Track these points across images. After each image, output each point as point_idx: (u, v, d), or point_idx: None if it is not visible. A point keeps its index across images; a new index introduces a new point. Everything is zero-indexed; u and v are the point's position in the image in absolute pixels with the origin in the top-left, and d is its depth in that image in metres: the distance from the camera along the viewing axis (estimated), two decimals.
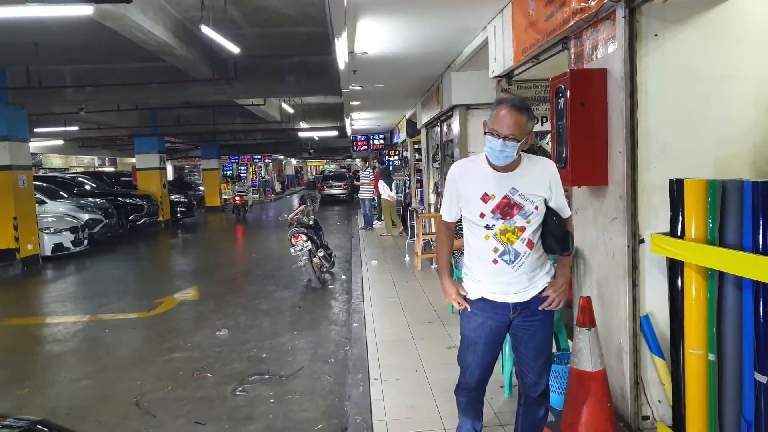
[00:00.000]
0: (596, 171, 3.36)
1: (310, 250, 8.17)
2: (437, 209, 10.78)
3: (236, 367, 5.11)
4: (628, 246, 3.14)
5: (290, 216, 8.95)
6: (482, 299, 2.58)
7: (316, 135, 23.52)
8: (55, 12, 5.74)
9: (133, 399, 4.45)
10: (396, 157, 20.15)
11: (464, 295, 2.63)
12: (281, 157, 45.25)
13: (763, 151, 3.09)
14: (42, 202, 12.63)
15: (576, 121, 3.41)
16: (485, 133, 2.43)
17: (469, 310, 2.62)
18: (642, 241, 3.12)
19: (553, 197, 2.53)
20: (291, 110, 17.66)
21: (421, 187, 13.37)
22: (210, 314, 7.01)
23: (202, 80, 10.34)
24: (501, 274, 2.49)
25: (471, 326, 2.63)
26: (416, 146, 15.33)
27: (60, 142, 21.08)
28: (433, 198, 11.46)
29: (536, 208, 2.47)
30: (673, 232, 2.64)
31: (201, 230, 18.89)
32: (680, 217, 2.58)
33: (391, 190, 12.88)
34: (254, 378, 4.81)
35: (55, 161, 27.30)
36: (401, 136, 17.63)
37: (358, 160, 25.54)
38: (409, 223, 11.65)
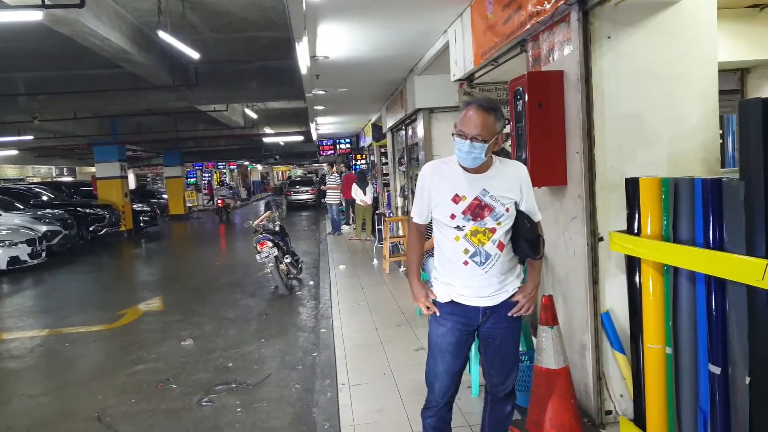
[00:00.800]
0: (555, 171, 3.42)
1: (276, 257, 8.08)
2: (404, 212, 10.82)
3: (202, 377, 5.01)
4: (587, 244, 3.20)
5: (255, 222, 8.84)
6: (452, 302, 2.53)
7: (281, 140, 23.35)
8: (2, 18, 5.56)
9: (95, 414, 4.33)
10: (363, 161, 20.16)
11: (433, 299, 2.58)
12: (246, 163, 44.76)
13: (713, 148, 3.19)
14: None
15: (534, 123, 3.46)
16: (453, 134, 2.43)
17: (437, 314, 2.56)
18: (601, 239, 3.18)
19: (524, 200, 2.54)
20: (255, 116, 17.50)
21: (388, 190, 13.40)
22: (175, 324, 6.87)
23: (162, 87, 10.18)
24: (471, 276, 2.47)
25: (440, 332, 2.58)
26: (383, 150, 15.38)
27: (14, 152, 20.42)
28: (400, 201, 11.50)
29: (507, 210, 2.47)
30: (630, 230, 2.71)
31: (165, 239, 18.52)
32: (636, 215, 2.65)
33: (365, 194, 12.84)
34: (221, 387, 4.73)
35: (10, 172, 26.41)
36: (367, 140, 17.66)
37: (324, 165, 25.45)
38: (376, 227, 11.66)
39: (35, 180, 25.68)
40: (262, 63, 11.27)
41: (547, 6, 3.32)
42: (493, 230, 2.45)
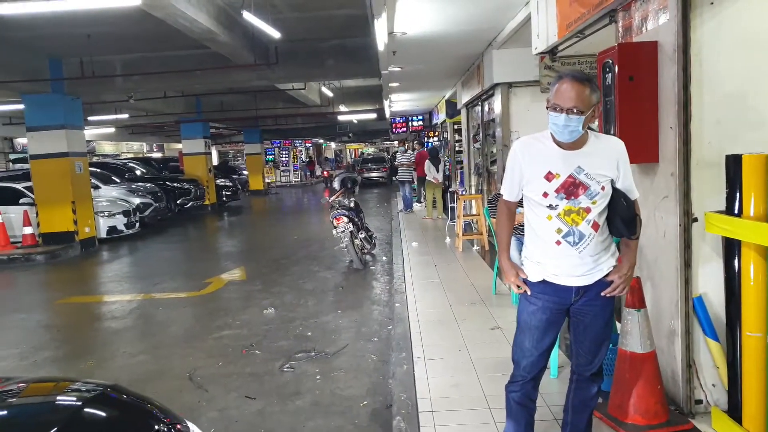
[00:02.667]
0: (646, 148, 3.27)
1: (351, 232, 8.25)
2: (478, 190, 10.70)
3: (283, 344, 5.24)
4: (680, 225, 3.06)
5: (331, 198, 9.04)
6: (543, 282, 2.48)
7: (355, 118, 23.57)
8: (105, 3, 5.93)
9: (187, 374, 4.63)
10: (435, 139, 20.02)
11: (524, 278, 2.52)
12: (321, 140, 45.55)
13: None
14: (96, 187, 13.15)
15: (624, 97, 3.32)
16: (547, 108, 2.35)
17: (528, 293, 2.52)
18: (695, 219, 3.03)
19: (621, 178, 2.42)
20: (330, 94, 17.73)
21: (461, 168, 13.27)
22: (257, 293, 7.19)
23: (244, 66, 10.49)
24: (564, 257, 2.40)
25: (530, 310, 2.53)
26: (456, 127, 15.20)
27: (111, 129, 21.80)
28: (474, 179, 11.37)
29: (602, 188, 2.36)
30: (729, 210, 2.57)
31: (246, 213, 19.29)
32: (737, 195, 2.51)
33: (438, 171, 12.79)
34: (301, 355, 4.93)
35: (107, 148, 28.26)
36: (440, 116, 17.50)
37: (396, 142, 25.47)
38: (449, 205, 11.61)
39: (129, 156, 27.34)
40: (339, 41, 11.36)
41: None
42: (587, 210, 2.36)
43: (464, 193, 11.61)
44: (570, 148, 2.38)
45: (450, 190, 12.25)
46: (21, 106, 11.66)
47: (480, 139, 10.63)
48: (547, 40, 5.47)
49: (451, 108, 14.56)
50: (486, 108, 9.86)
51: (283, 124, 25.72)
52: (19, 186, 12.07)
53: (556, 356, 3.82)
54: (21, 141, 19.84)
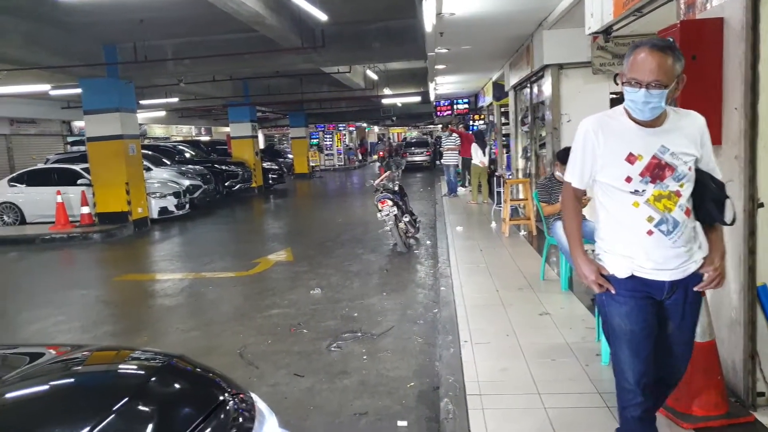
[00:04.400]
0: (710, 130, 3.13)
1: (395, 216, 8.27)
2: (525, 174, 10.52)
3: (330, 324, 5.33)
4: (744, 210, 2.93)
5: (376, 182, 9.08)
6: (632, 277, 2.19)
7: (399, 101, 23.47)
8: None
9: (237, 351, 4.77)
10: (481, 122, 19.75)
11: (606, 274, 2.24)
12: (364, 124, 45.59)
13: None
14: (148, 169, 13.56)
15: (687, 77, 3.18)
16: (622, 83, 2.12)
17: (613, 292, 2.22)
18: (761, 205, 2.90)
19: (704, 156, 2.19)
20: (375, 77, 17.70)
21: (508, 152, 13.07)
22: (303, 274, 7.31)
23: (291, 49, 10.57)
24: (657, 247, 2.15)
25: (621, 312, 2.22)
26: (503, 110, 14.95)
27: (162, 113, 22.38)
28: (521, 163, 11.19)
29: (689, 169, 2.14)
30: None
31: (291, 196, 19.58)
32: None
33: (485, 155, 12.64)
34: (347, 335, 5.00)
35: (158, 131, 29.06)
36: (487, 99, 17.22)
37: (440, 126, 25.25)
38: (495, 190, 11.47)
39: (178, 138, 28.07)
40: (385, 23, 11.30)
41: None
42: (677, 194, 2.13)
43: (511, 177, 11.45)
44: (649, 126, 2.14)
45: (496, 174, 12.09)
46: (78, 90, 12.10)
47: (528, 122, 10.43)
48: (601, 19, 5.29)
49: (498, 90, 14.31)
50: (535, 90, 9.66)
51: (328, 108, 25.86)
52: (77, 167, 12.59)
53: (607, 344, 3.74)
54: (78, 124, 20.62)
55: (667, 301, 2.24)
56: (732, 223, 2.22)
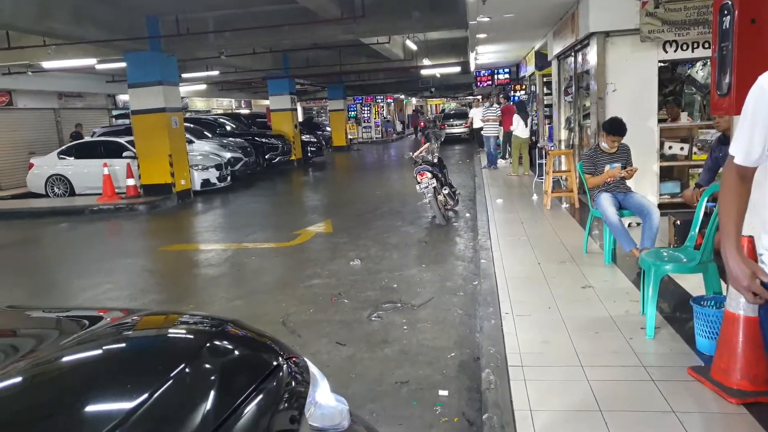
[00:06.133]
0: None
1: (434, 188, 8.23)
2: (568, 145, 10.28)
3: (370, 294, 5.39)
4: None
5: (415, 154, 9.03)
6: None
7: (438, 72, 23.13)
8: None
9: (280, 319, 4.88)
10: (522, 92, 19.31)
11: (765, 281, 1.73)
12: (402, 96, 45.18)
13: None
14: (190, 142, 13.83)
15: (744, 42, 3.05)
16: None
17: None
18: None
19: None
20: (414, 47, 17.45)
21: (550, 123, 12.78)
22: (343, 246, 7.39)
23: (331, 20, 10.51)
24: None
25: None
26: (545, 80, 14.56)
27: (203, 86, 22.68)
28: (564, 134, 10.93)
29: None
30: None
31: (330, 168, 19.68)
32: None
33: (527, 126, 12.40)
34: (387, 306, 5.05)
35: (199, 104, 29.47)
36: (528, 69, 16.79)
37: (479, 96, 24.80)
38: (537, 161, 11.27)
39: (219, 111, 28.44)
40: None
41: None
42: None
43: (553, 148, 11.21)
44: None
45: (538, 145, 11.86)
46: (122, 64, 12.35)
47: (572, 92, 10.14)
48: None
49: (541, 60, 13.92)
50: (579, 59, 9.35)
51: (366, 80, 25.72)
52: (122, 140, 12.94)
53: (653, 317, 3.68)
54: (122, 98, 21.09)
55: None
56: None
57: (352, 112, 33.94)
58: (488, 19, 9.79)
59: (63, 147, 13.78)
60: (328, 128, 28.42)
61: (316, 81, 25.20)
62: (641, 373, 3.22)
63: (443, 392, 3.45)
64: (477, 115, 19.11)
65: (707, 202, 3.75)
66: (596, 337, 3.79)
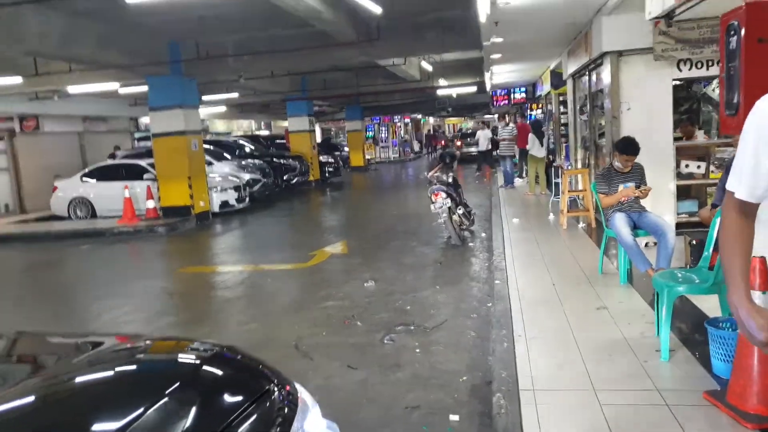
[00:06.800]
0: None
1: (449, 208, 8.24)
2: (585, 164, 10.23)
3: (383, 317, 5.39)
4: None
5: (430, 174, 9.06)
6: None
7: (454, 92, 23.26)
8: None
9: (293, 342, 4.89)
10: (539, 111, 19.31)
11: None
12: (419, 116, 45.45)
13: None
14: (210, 164, 14.05)
15: (752, 61, 3.04)
16: None
17: None
18: None
19: None
20: (430, 68, 17.61)
21: (566, 141, 12.74)
22: (358, 267, 7.41)
23: (347, 43, 10.68)
24: None
25: None
26: (561, 98, 14.57)
27: (223, 108, 23.08)
28: (580, 153, 10.89)
29: None
30: None
31: (347, 189, 19.81)
32: None
33: (542, 145, 12.39)
34: (400, 328, 5.04)
35: (219, 126, 29.99)
36: (545, 88, 16.82)
37: (496, 116, 24.84)
38: (553, 181, 11.23)
39: (239, 133, 28.87)
40: (439, 14, 11.23)
41: None
42: None
43: (570, 167, 11.16)
44: None
45: (554, 164, 11.82)
46: (144, 88, 12.66)
47: (587, 110, 10.13)
48: (663, 3, 5.10)
49: (556, 79, 13.94)
50: (594, 78, 9.36)
51: (383, 101, 25.97)
52: (142, 162, 13.20)
53: (667, 339, 3.63)
54: (144, 120, 21.55)
55: None
56: None
57: (370, 132, 34.21)
58: (501, 39, 9.86)
59: (86, 170, 14.07)
60: (346, 148, 28.66)
61: (334, 102, 25.51)
62: (655, 397, 3.17)
63: (454, 417, 3.43)
64: (483, 137, 19.24)
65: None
66: (610, 359, 3.74)
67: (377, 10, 8.31)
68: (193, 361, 1.66)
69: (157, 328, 5.59)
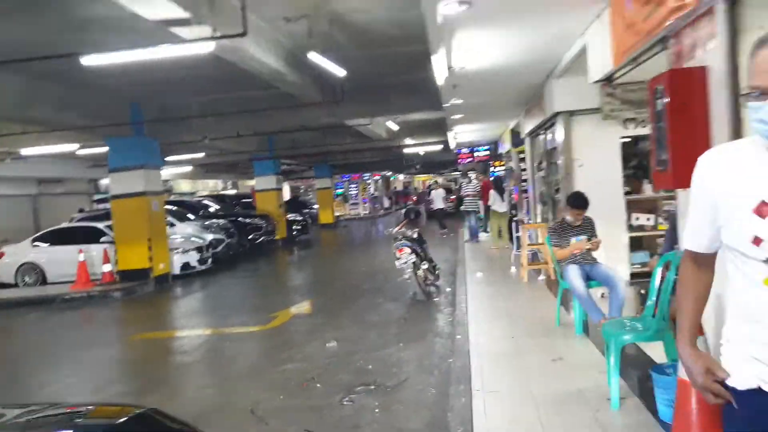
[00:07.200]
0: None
1: (414, 263, 8.31)
2: (543, 219, 10.49)
3: (344, 377, 5.31)
4: None
5: (395, 230, 9.17)
6: (759, 391, 1.48)
7: (421, 150, 23.84)
8: (181, 51, 6.41)
9: (250, 408, 4.76)
10: (502, 168, 19.87)
11: (722, 379, 1.54)
12: (389, 173, 46.17)
13: None
14: (172, 225, 13.81)
15: (676, 122, 3.27)
16: (745, 97, 1.47)
17: (733, 404, 1.52)
18: None
19: None
20: (396, 127, 18.06)
21: (526, 196, 13.09)
22: (321, 327, 7.34)
23: (313, 104, 10.93)
24: None
25: (737, 427, 1.56)
26: (522, 156, 15.06)
27: (188, 168, 23.12)
28: (539, 208, 11.18)
29: None
30: None
31: (315, 247, 19.77)
32: None
33: (503, 201, 12.70)
34: (361, 388, 4.97)
35: (184, 186, 29.88)
36: (506, 146, 17.39)
37: (466, 172, 25.58)
38: (514, 234, 11.44)
39: (204, 193, 28.78)
40: (403, 76, 11.63)
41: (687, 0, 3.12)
42: None
43: (530, 221, 11.42)
44: None
45: (515, 219, 12.09)
46: (105, 149, 12.41)
47: (544, 167, 10.49)
48: (603, 68, 5.43)
49: (516, 137, 14.48)
50: (549, 136, 9.75)
51: (352, 159, 26.39)
52: (100, 225, 12.82)
53: (617, 387, 3.69)
54: (104, 182, 21.27)
55: None
56: None
57: (340, 190, 34.53)
58: (461, 101, 10.27)
59: (38, 234, 13.47)
60: (315, 206, 28.78)
61: (302, 161, 25.78)
62: None
63: None
64: (437, 196, 19.71)
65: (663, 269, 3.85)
66: (563, 411, 3.77)
67: (341, 73, 8.60)
68: (110, 423, 1.63)
69: (105, 397, 5.38)
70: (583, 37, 5.97)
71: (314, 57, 7.61)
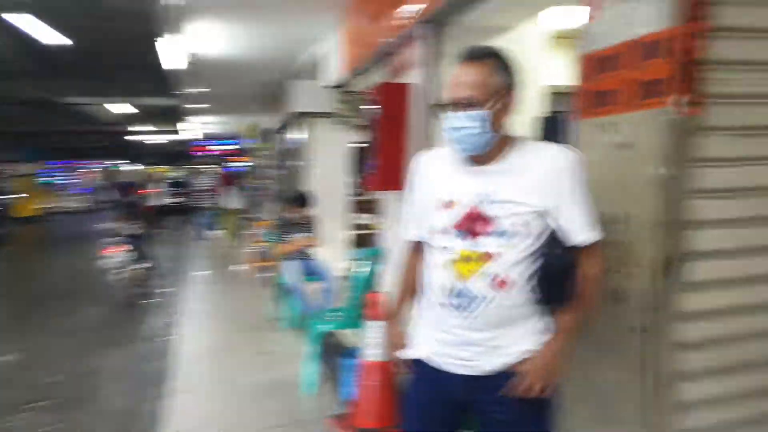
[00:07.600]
0: (398, 177, 3.46)
1: (127, 262, 7.54)
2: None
3: (13, 395, 4.46)
4: None
5: (108, 226, 8.22)
6: (419, 362, 1.73)
7: (155, 139, 22.14)
8: None
9: None
10: (242, 164, 19.61)
11: (404, 352, 1.81)
12: (115, 162, 41.80)
13: None
14: None
15: (384, 130, 3.54)
16: (435, 106, 1.74)
17: (411, 373, 1.80)
18: None
19: (562, 209, 1.59)
20: (133, 110, 16.36)
21: (264, 194, 13.09)
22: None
23: (22, 72, 9.16)
24: (446, 327, 1.64)
25: (409, 398, 1.82)
26: (266, 153, 15.06)
27: None
28: (276, 205, 11.30)
29: (522, 225, 1.57)
30: None
31: (5, 244, 16.51)
32: None
33: (238, 197, 12.44)
34: (30, 406, 4.21)
35: None
36: (249, 141, 17.21)
37: (200, 166, 24.44)
38: (244, 232, 11.33)
39: None
40: (135, 59, 10.54)
41: (403, 23, 3.43)
42: (488, 256, 1.57)
43: (262, 219, 11.42)
44: (481, 162, 1.62)
45: (244, 216, 11.98)
46: None
47: (285, 165, 10.62)
48: (336, 75, 5.69)
49: (262, 134, 14.41)
50: (288, 135, 9.91)
51: (73, 144, 23.08)
52: None
53: (315, 373, 3.88)
54: None
55: (475, 402, 1.67)
56: (580, 308, 1.66)
57: (49, 178, 29.77)
58: (196, 90, 9.78)
59: None
60: (12, 195, 24.11)
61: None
62: (298, 430, 3.38)
63: None
64: (159, 191, 18.69)
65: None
66: (261, 400, 3.85)
67: (61, 41, 7.29)
68: None
69: None
70: (320, 43, 6.18)
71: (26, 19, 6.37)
